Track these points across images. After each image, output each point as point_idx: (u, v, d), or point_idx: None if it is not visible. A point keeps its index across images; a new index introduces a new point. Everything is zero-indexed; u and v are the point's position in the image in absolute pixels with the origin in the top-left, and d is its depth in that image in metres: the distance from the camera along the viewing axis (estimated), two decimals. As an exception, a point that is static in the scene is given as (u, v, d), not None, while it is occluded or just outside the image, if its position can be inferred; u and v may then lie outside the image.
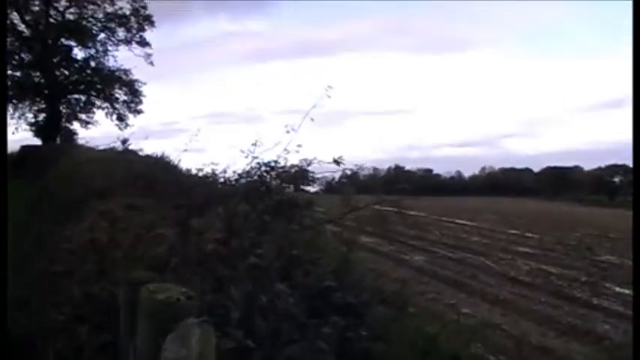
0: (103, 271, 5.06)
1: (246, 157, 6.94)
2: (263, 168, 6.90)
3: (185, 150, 8.65)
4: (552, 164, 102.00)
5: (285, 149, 6.71)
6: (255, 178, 6.93)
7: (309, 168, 7.07)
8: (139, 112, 45.90)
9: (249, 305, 4.42)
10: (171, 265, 5.01)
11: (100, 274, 5.02)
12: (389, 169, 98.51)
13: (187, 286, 3.13)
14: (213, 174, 7.52)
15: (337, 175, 7.51)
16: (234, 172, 7.19)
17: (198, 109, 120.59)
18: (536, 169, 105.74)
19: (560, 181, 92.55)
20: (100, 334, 4.11)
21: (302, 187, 7.29)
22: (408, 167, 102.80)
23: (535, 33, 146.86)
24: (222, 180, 7.41)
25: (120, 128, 44.60)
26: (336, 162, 6.77)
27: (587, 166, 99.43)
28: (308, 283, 5.41)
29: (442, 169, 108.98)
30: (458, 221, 38.70)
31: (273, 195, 6.61)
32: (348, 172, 7.31)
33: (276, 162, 6.83)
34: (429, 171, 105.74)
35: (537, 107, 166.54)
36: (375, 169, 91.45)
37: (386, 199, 6.83)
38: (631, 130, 4.04)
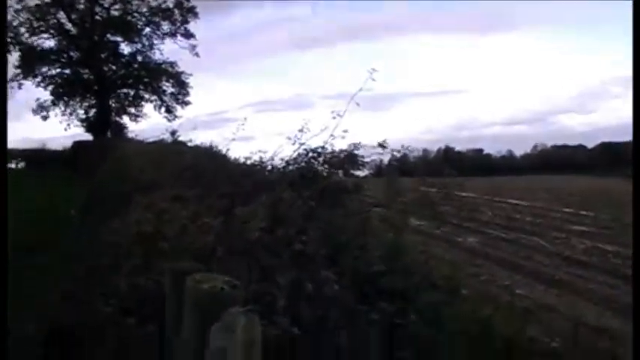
0: (148, 262, 5.11)
1: (293, 143, 6.92)
2: (310, 154, 6.86)
3: (233, 139, 8.67)
4: (606, 140, 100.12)
5: (331, 135, 6.67)
6: (302, 164, 6.91)
7: (358, 152, 7.03)
8: (187, 103, 46.62)
9: (294, 292, 4.40)
10: (216, 255, 5.04)
11: (146, 265, 5.06)
12: (439, 150, 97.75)
13: (232, 276, 3.11)
14: (261, 162, 7.51)
15: (386, 159, 7.45)
16: (282, 159, 7.18)
17: (246, 97, 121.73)
18: (589, 145, 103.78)
19: (614, 157, 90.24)
20: (146, 325, 4.14)
21: (351, 171, 7.23)
22: (458, 148, 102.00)
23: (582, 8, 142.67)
24: (269, 167, 7.41)
25: (168, 120, 45.45)
26: (381, 146, 6.72)
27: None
28: (355, 269, 5.37)
29: (493, 149, 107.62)
30: (510, 201, 38.12)
31: (320, 180, 6.59)
32: (397, 155, 7.22)
33: (323, 147, 6.79)
34: (480, 151, 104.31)
35: (588, 82, 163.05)
36: (424, 150, 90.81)
37: (435, 181, 6.73)
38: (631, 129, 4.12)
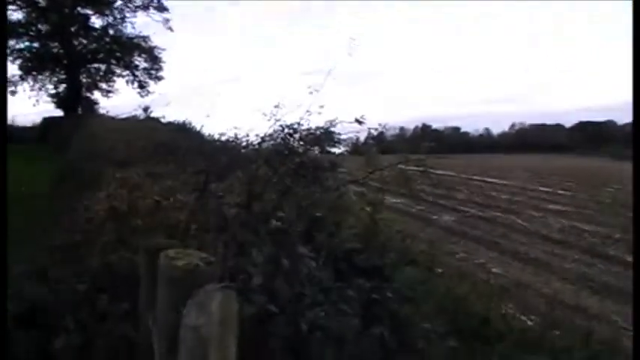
0: (121, 239, 5.10)
1: (269, 119, 6.90)
2: (286, 130, 6.84)
3: (208, 115, 8.62)
4: (584, 119, 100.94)
5: (307, 111, 6.65)
6: (278, 141, 6.89)
7: (335, 129, 7.03)
8: (160, 78, 46.15)
9: (271, 270, 4.42)
10: (190, 232, 5.04)
11: (119, 242, 5.05)
12: (415, 128, 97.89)
13: (208, 252, 3.11)
14: (236, 138, 7.48)
15: (363, 136, 7.45)
16: (257, 135, 7.16)
17: (221, 73, 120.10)
18: (567, 124, 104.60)
19: (592, 137, 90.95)
20: (120, 303, 4.14)
21: (327, 148, 7.23)
22: (435, 126, 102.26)
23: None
24: (244, 144, 7.38)
25: (141, 96, 45.05)
26: (358, 121, 6.69)
27: (621, 120, 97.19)
28: (332, 246, 5.41)
29: (470, 127, 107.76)
30: (488, 180, 38.39)
31: (295, 157, 6.59)
32: (374, 132, 7.24)
33: (299, 124, 6.77)
34: (457, 129, 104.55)
35: (566, 62, 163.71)
36: (401, 128, 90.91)
37: (412, 158, 6.76)
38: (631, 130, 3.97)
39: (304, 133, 6.82)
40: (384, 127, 7.07)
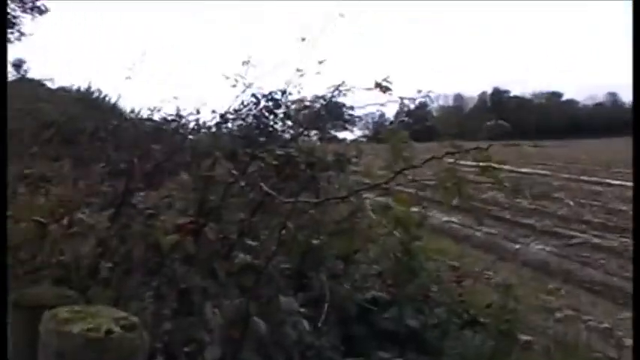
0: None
1: (234, 86, 6.74)
2: (263, 103, 6.74)
3: (128, 77, 8.37)
4: None
5: (298, 70, 6.53)
6: (250, 120, 6.82)
7: (342, 101, 6.81)
8: (42, 10, 45.63)
9: (236, 336, 4.45)
10: (101, 274, 5.04)
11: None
12: (483, 96, 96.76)
13: (129, 309, 3.13)
14: (178, 117, 7.36)
15: (391, 112, 7.34)
16: (214, 112, 7.01)
17: (153, 19, 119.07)
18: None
19: None
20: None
21: (331, 132, 7.18)
22: (515, 92, 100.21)
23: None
24: (192, 126, 7.29)
25: (9, 40, 44.56)
26: (382, 87, 6.52)
27: None
28: (338, 296, 5.41)
29: (581, 94, 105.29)
30: (609, 181, 38.31)
31: (276, 147, 6.50)
32: (409, 105, 7.09)
33: (284, 93, 6.68)
34: (557, 96, 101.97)
35: None
36: (459, 97, 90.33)
37: (471, 148, 6.61)
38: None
39: (293, 106, 6.74)
40: (428, 95, 6.90)
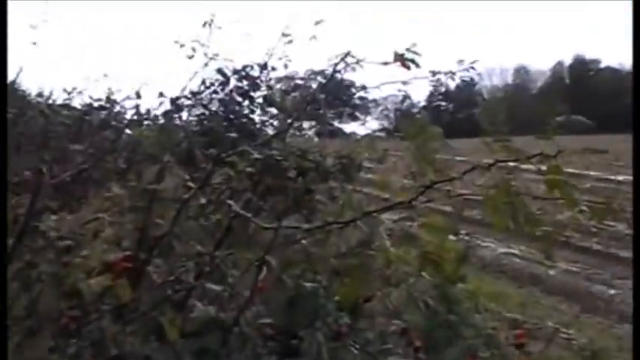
0: None
1: (191, 57, 6.59)
2: (233, 82, 6.57)
3: (34, 43, 8.34)
4: None
5: (284, 35, 6.35)
6: (216, 107, 6.65)
7: (348, 78, 6.60)
8: None
9: None
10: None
11: None
12: (557, 68, 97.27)
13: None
14: (109, 103, 7.18)
15: (418, 95, 7.11)
16: (162, 95, 6.86)
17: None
18: None
19: None
20: None
21: (332, 122, 7.00)
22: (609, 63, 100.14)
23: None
24: (129, 116, 7.12)
25: None
26: (404, 60, 6.02)
27: None
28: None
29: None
30: None
31: (254, 147, 6.33)
32: (446, 82, 6.84)
33: (264, 67, 6.51)
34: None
35: None
36: (521, 71, 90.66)
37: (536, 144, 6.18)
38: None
39: (278, 86, 6.51)
40: (473, 67, 6.58)
